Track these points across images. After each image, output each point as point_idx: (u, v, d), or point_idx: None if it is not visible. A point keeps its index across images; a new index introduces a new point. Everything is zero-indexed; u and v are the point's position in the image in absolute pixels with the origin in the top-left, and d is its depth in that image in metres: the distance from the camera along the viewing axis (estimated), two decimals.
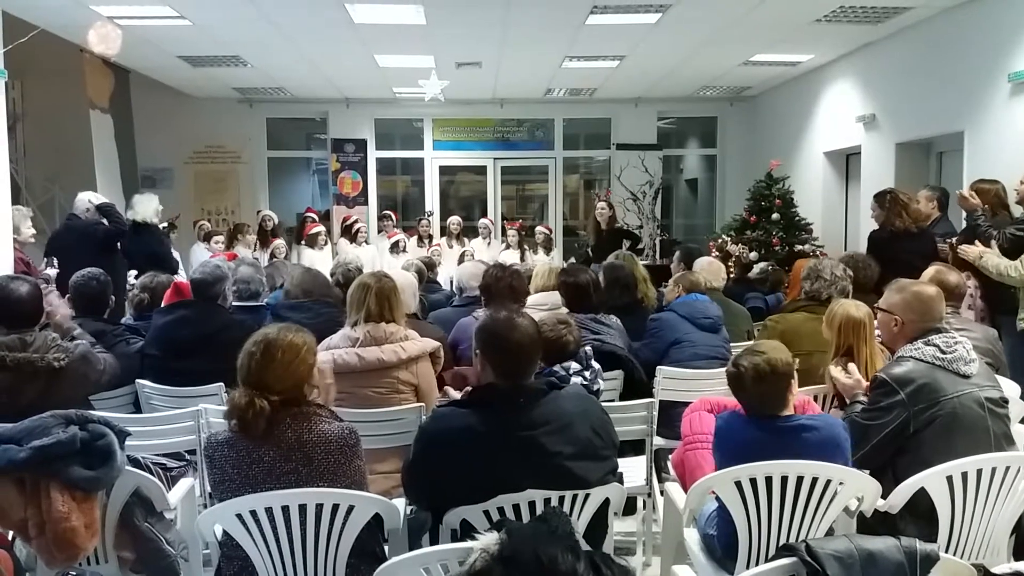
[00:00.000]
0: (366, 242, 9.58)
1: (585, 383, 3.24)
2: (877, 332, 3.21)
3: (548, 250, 9.59)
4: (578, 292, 4.21)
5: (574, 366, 3.28)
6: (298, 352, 2.40)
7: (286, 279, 4.82)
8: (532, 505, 2.26)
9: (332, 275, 5.05)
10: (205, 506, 3.12)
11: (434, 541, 2.40)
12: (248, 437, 2.31)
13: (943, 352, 2.76)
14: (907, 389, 2.70)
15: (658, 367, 4.03)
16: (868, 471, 2.58)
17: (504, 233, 10.08)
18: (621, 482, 2.47)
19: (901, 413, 2.69)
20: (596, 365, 3.41)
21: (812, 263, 4.25)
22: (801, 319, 3.94)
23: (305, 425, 2.35)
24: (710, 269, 5.33)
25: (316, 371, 2.49)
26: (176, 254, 7.72)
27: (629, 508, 3.69)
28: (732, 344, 4.27)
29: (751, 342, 4.10)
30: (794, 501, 2.43)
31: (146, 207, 6.53)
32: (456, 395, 3.34)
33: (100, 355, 3.44)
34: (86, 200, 6.36)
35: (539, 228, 10.01)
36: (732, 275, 7.03)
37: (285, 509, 2.26)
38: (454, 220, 10.08)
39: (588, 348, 3.47)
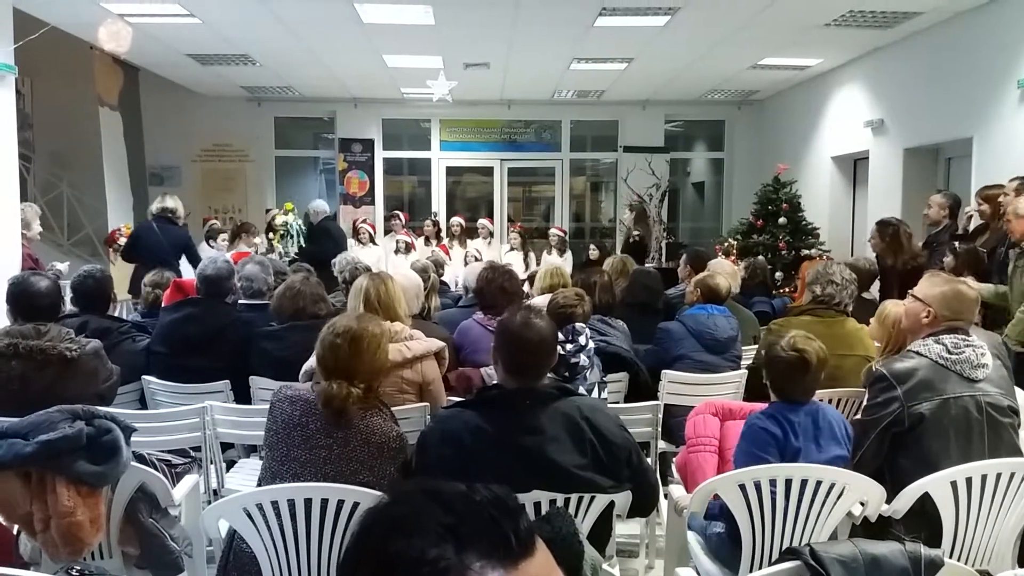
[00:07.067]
0: (372, 242, 9.59)
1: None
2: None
3: (562, 252, 9.59)
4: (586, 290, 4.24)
5: None
6: (379, 342, 2.55)
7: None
8: (537, 506, 2.25)
9: (340, 273, 5.09)
10: (209, 502, 3.13)
11: None
12: (327, 418, 2.42)
13: (949, 352, 2.72)
14: (904, 385, 2.68)
15: (663, 371, 4.03)
16: (868, 473, 2.56)
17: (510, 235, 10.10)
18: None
19: (897, 408, 2.67)
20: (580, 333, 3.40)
21: (819, 267, 4.11)
22: (807, 322, 3.75)
23: (361, 413, 2.44)
24: (731, 272, 5.14)
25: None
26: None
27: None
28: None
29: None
30: (798, 504, 2.43)
31: (179, 204, 7.14)
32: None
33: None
34: (325, 206, 8.63)
35: (553, 230, 10.03)
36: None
37: (291, 503, 2.26)
38: (456, 221, 10.11)
39: (580, 324, 3.47)
